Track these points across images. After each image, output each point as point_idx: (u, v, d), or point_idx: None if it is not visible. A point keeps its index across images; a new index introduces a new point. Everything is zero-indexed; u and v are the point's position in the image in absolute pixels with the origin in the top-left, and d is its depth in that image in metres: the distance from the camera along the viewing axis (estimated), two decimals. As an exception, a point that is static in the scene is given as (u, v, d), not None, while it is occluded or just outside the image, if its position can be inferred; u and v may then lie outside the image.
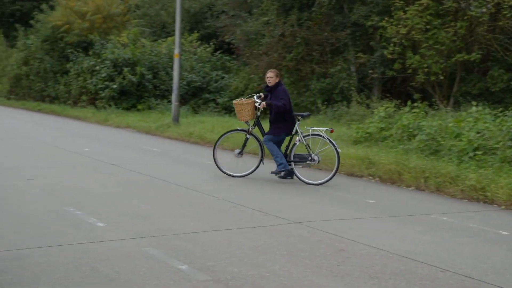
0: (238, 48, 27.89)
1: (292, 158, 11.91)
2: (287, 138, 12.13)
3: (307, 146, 11.84)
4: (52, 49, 31.19)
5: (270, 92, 11.99)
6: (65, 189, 10.40)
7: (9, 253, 6.68)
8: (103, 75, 26.03)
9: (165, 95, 26.21)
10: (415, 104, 16.01)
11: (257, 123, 12.26)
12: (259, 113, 12.14)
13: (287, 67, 22.45)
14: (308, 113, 13.40)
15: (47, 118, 25.57)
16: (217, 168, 12.34)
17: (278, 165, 11.80)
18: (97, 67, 26.75)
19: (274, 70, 12.19)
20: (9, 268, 6.19)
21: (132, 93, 25.76)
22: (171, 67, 26.48)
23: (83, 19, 30.38)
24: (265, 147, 12.14)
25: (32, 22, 34.19)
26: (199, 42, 29.58)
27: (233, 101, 12.55)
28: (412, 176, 11.59)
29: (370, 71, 20.80)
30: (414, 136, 14.17)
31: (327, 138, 11.62)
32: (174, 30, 29.60)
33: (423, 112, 15.59)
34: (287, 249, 7.09)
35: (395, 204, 10.03)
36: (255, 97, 12.13)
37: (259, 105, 11.86)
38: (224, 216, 8.70)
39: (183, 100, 24.83)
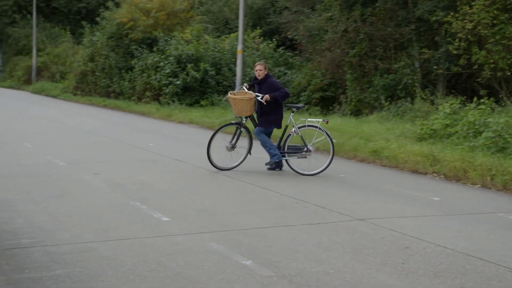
0: (300, 44, 27.83)
1: (286, 149, 12.14)
2: (278, 130, 12.45)
3: (302, 137, 12.17)
4: (117, 46, 31.61)
5: (259, 84, 12.03)
6: (130, 184, 10.55)
7: (76, 246, 6.81)
8: (167, 71, 26.29)
9: (227, 91, 26.26)
10: (481, 101, 15.73)
11: (252, 116, 12.18)
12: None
13: (350, 63, 22.31)
14: (302, 105, 13.43)
15: (112, 113, 25.97)
16: (210, 163, 12.00)
17: (272, 156, 11.93)
18: (161, 64, 27.02)
19: (263, 62, 12.22)
20: (76, 261, 6.32)
21: (195, 89, 25.94)
22: (234, 63, 26.60)
23: (148, 16, 30.73)
24: (254, 138, 12.30)
25: (98, 19, 34.72)
26: (261, 38, 29.61)
27: (229, 95, 12.06)
28: (478, 173, 11.39)
29: (435, 67, 20.49)
30: (480, 133, 13.92)
31: (323, 130, 12.16)
32: (237, 26, 29.66)
33: (489, 109, 15.30)
34: (351, 246, 7.06)
35: (460, 202, 9.88)
36: (244, 88, 12.22)
37: (261, 98, 11.78)
38: (287, 212, 8.71)
39: (246, 96, 24.90)
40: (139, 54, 29.70)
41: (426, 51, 20.63)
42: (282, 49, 28.80)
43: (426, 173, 12.38)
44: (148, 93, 27.76)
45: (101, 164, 12.52)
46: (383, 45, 21.96)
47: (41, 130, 18.36)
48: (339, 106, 22.90)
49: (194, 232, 7.50)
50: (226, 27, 33.80)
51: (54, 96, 35.26)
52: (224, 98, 15.71)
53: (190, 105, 25.70)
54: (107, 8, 34.95)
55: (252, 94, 11.78)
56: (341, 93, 23.48)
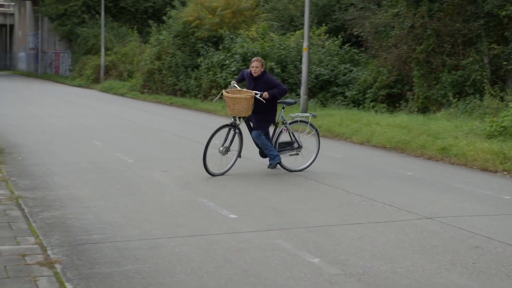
0: (366, 40, 27.57)
1: (277, 147, 11.65)
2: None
3: (293, 133, 11.94)
4: (184, 44, 31.86)
5: (254, 80, 11.18)
6: (198, 181, 10.65)
7: (145, 242, 6.91)
8: (232, 69, 26.39)
9: (293, 88, 26.27)
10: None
11: (247, 118, 11.33)
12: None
13: (417, 59, 22.01)
14: (294, 100, 12.56)
15: (178, 111, 26.20)
16: (205, 169, 11.00)
17: (274, 157, 11.37)
18: (227, 62, 27.13)
19: (260, 59, 11.29)
20: (146, 257, 6.40)
21: (261, 86, 25.94)
22: (299, 61, 26.53)
23: (214, 14, 30.89)
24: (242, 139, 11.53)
25: (164, 18, 35.07)
26: (327, 35, 29.45)
27: (224, 94, 11.14)
28: (550, 171, 11.13)
29: (504, 63, 20.07)
30: (553, 130, 13.61)
31: (313, 126, 12.38)
32: (302, 24, 29.58)
33: (562, 105, 14.93)
34: (419, 245, 6.98)
35: (532, 201, 9.67)
36: (236, 86, 11.29)
37: (260, 96, 10.93)
38: (354, 210, 8.66)
39: (311, 93, 24.82)
40: (205, 52, 29.90)
41: (495, 46, 20.23)
42: (347, 46, 28.59)
43: (496, 171, 12.15)
44: (214, 91, 27.92)
45: (168, 161, 12.65)
46: (451, 41, 21.60)
47: (110, 128, 18.67)
48: (406, 103, 22.62)
49: (261, 229, 7.53)
50: (291, 24, 33.72)
51: (121, 95, 35.79)
52: (215, 100, 14.38)
53: (255, 102, 25.71)
54: (173, 7, 35.27)
55: (251, 92, 10.93)
56: (407, 90, 23.18)
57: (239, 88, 11.19)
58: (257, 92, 10.96)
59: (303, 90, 20.61)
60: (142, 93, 34.40)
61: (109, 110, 25.42)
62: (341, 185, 10.40)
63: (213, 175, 11.03)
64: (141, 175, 11.04)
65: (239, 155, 11.58)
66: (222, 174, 11.20)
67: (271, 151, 11.42)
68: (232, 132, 11.30)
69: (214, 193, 9.59)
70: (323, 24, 30.60)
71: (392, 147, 15.06)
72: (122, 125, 19.68)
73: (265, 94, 10.94)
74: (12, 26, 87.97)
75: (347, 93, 24.97)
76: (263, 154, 11.67)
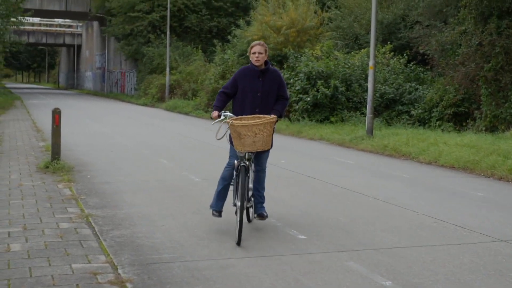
0: (432, 58, 27.30)
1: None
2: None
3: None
4: (248, 63, 32.07)
5: (261, 76, 8.10)
6: (266, 201, 10.60)
7: (215, 262, 6.89)
8: (297, 88, 26.40)
9: (358, 107, 26.14)
10: None
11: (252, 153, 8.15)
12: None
13: (485, 77, 21.66)
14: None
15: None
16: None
17: (263, 201, 8.59)
18: (291, 80, 27.17)
19: (263, 43, 8.24)
20: (216, 277, 6.38)
21: (325, 105, 25.89)
22: (364, 79, 26.39)
23: (278, 33, 31.04)
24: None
25: (229, 37, 35.38)
26: (392, 53, 29.28)
27: (236, 124, 7.71)
28: None
29: None
30: None
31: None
32: (367, 42, 29.49)
33: None
34: (494, 269, 6.80)
35: None
36: (229, 114, 7.97)
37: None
38: (425, 232, 8.50)
39: (376, 112, 24.64)
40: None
41: None
42: (413, 64, 28.34)
43: None
44: (278, 110, 27.95)
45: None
46: (521, 58, 21.19)
47: (176, 146, 18.82)
48: (473, 122, 22.25)
49: (331, 250, 7.44)
50: (356, 42, 33.61)
51: (186, 113, 36.13)
52: (220, 136, 8.02)
53: (320, 121, 25.67)
54: (238, 26, 35.54)
55: (271, 117, 7.82)
56: (475, 108, 22.81)
57: (234, 116, 7.97)
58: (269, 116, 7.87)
59: (368, 109, 20.45)
60: (206, 111, 34.65)
61: (175, 129, 25.66)
62: (411, 206, 10.23)
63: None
64: (209, 194, 11.04)
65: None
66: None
67: (263, 188, 8.63)
68: (242, 178, 7.93)
69: (282, 213, 9.54)
70: (388, 42, 30.42)
71: (460, 167, 14.79)
72: (188, 144, 19.82)
73: (273, 118, 7.86)
74: (79, 46, 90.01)
75: (412, 112, 24.70)
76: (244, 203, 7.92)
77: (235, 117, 7.87)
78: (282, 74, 8.78)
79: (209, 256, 7.13)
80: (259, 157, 8.28)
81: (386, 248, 7.58)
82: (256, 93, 8.09)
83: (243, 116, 7.90)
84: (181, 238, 7.90)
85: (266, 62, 8.13)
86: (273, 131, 7.91)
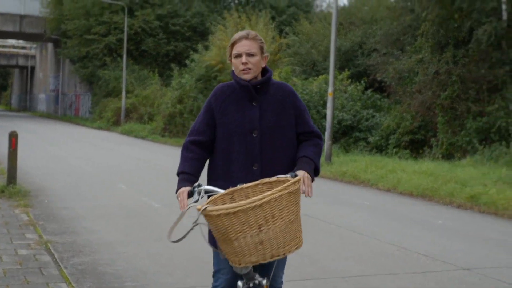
0: (390, 86, 27.60)
1: None
2: None
3: None
4: (206, 88, 32.04)
5: (252, 101, 4.33)
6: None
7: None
8: (255, 113, 26.39)
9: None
10: None
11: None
12: None
13: (441, 105, 21.95)
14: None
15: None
16: None
17: None
18: (249, 105, 27.20)
19: (255, 33, 4.36)
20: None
21: (283, 131, 25.91)
22: (322, 106, 26.52)
23: (236, 58, 31.14)
24: None
25: (187, 61, 35.34)
26: (349, 80, 29.53)
27: (203, 209, 3.76)
28: None
29: (530, 110, 19.99)
30: None
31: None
32: (324, 69, 29.72)
33: None
34: (461, 298, 6.81)
35: None
36: (202, 191, 4.09)
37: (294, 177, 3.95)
38: (389, 260, 8.49)
39: (334, 138, 24.77)
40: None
41: (521, 93, 20.14)
42: (370, 91, 28.61)
43: (528, 221, 11.95)
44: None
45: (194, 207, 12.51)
46: (476, 87, 21.54)
47: (134, 171, 18.62)
48: (430, 149, 22.50)
49: (297, 278, 7.37)
50: (313, 69, 33.85)
51: (142, 137, 35.87)
52: (174, 236, 4.08)
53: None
54: (195, 50, 35.51)
55: (297, 177, 3.86)
56: (431, 136, 23.08)
57: (217, 190, 4.12)
58: (286, 177, 4.03)
59: (327, 135, 20.53)
60: (162, 136, 34.47)
61: (131, 153, 25.42)
62: (373, 234, 10.23)
63: None
64: (170, 220, 10.91)
65: None
66: None
67: None
68: None
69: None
70: (346, 69, 30.68)
71: (419, 194, 14.88)
72: (146, 168, 19.63)
73: (303, 174, 4.11)
74: (33, 68, 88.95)
75: (370, 139, 24.89)
76: None
77: (218, 191, 4.07)
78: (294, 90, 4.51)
79: (173, 285, 7.00)
80: (269, 266, 4.29)
81: (351, 276, 7.54)
82: (249, 131, 4.28)
83: (232, 189, 4.05)
84: (144, 266, 7.76)
85: (264, 71, 4.38)
86: (298, 206, 3.87)
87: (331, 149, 20.70)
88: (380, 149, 24.20)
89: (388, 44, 29.30)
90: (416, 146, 23.42)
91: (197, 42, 38.30)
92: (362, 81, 29.12)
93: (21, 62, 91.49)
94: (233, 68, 4.36)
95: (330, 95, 20.61)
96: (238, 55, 4.27)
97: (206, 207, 3.71)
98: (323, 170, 19.13)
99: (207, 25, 41.12)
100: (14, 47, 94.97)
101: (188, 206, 3.98)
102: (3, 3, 61.29)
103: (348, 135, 26.11)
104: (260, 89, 4.32)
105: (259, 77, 4.34)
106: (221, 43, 32.02)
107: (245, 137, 4.27)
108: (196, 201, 3.95)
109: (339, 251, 8.99)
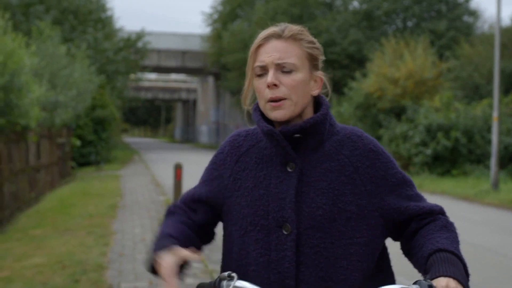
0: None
1: None
2: None
3: None
4: (365, 116, 31.75)
5: (286, 149, 2.30)
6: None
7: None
8: (416, 141, 25.86)
9: (480, 159, 25.29)
10: None
11: None
12: None
13: None
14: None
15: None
16: None
17: None
18: (410, 132, 26.64)
19: (298, 29, 2.35)
20: None
21: (446, 158, 25.21)
22: (487, 131, 25.54)
23: (396, 85, 30.60)
24: None
25: (345, 89, 35.22)
26: (515, 103, 28.33)
27: None
28: None
29: None
30: None
31: None
32: (487, 92, 28.64)
33: None
34: None
35: None
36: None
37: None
38: None
39: (501, 164, 23.74)
40: (387, 124, 29.57)
41: None
42: (538, 115, 27.26)
43: None
44: (398, 163, 27.40)
45: None
46: None
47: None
48: None
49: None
50: (476, 93, 32.73)
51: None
52: None
53: (441, 174, 24.95)
54: (353, 78, 35.34)
55: None
56: None
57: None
58: None
59: (493, 161, 19.68)
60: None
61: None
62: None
63: None
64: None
65: None
66: None
67: None
68: None
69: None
70: (511, 92, 29.44)
71: None
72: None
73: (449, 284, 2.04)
74: (195, 101, 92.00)
75: (540, 165, 23.65)
76: None
77: None
78: (379, 144, 2.51)
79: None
80: None
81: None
82: (276, 225, 2.30)
83: None
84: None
85: (317, 104, 2.46)
86: None
87: (498, 176, 19.80)
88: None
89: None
90: None
91: (355, 70, 38.06)
92: (529, 104, 27.80)
93: (183, 95, 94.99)
94: (257, 101, 2.46)
95: (495, 119, 19.77)
96: (262, 72, 2.33)
97: None
98: (489, 198, 18.32)
99: (364, 52, 40.85)
100: (176, 81, 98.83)
101: None
102: (166, 40, 63.99)
103: (516, 161, 24.95)
104: (303, 140, 2.34)
105: (305, 115, 2.36)
106: (379, 70, 31.66)
107: (267, 236, 2.29)
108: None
109: (506, 282, 8.45)
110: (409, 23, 46.90)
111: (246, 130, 2.57)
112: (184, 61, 65.57)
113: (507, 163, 24.82)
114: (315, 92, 2.39)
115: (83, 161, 31.87)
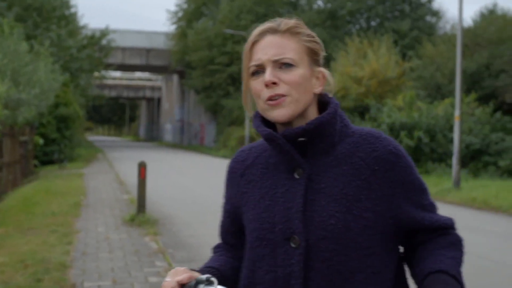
0: (520, 108, 26.68)
1: None
2: None
3: None
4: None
5: (291, 153, 2.09)
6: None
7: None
8: (379, 139, 26.07)
9: (442, 158, 25.62)
10: None
11: None
12: None
13: None
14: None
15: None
16: None
17: None
18: (373, 131, 26.92)
19: (294, 23, 2.15)
20: None
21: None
22: (449, 130, 25.88)
23: (359, 84, 30.90)
24: None
25: (309, 88, 35.39)
26: (477, 103, 28.69)
27: None
28: None
29: None
30: None
31: None
32: (449, 92, 28.99)
33: None
34: None
35: None
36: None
37: None
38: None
39: (462, 163, 24.07)
40: (350, 122, 29.83)
41: None
42: (499, 114, 27.68)
43: None
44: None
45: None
46: None
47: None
48: None
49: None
50: (438, 92, 33.11)
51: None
52: None
53: (404, 173, 25.22)
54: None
55: None
56: None
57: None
58: None
59: (455, 160, 19.95)
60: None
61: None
62: (506, 262, 9.75)
63: None
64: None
65: None
66: None
67: None
68: None
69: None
70: (473, 92, 29.84)
71: None
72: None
73: None
74: (159, 99, 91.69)
75: (500, 163, 24.01)
76: None
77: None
78: (400, 146, 2.24)
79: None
80: None
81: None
82: (283, 238, 2.10)
83: None
84: None
85: (322, 103, 2.26)
86: None
87: (459, 174, 20.08)
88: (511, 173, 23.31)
89: (517, 64, 28.31)
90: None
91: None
92: (490, 104, 28.22)
93: (148, 94, 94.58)
94: (256, 105, 2.20)
95: (456, 118, 20.05)
96: (258, 69, 2.13)
97: None
98: (451, 196, 18.57)
99: (328, 51, 41.07)
100: (141, 79, 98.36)
101: None
102: (130, 38, 63.71)
103: (476, 159, 25.32)
104: (310, 143, 2.15)
105: (309, 116, 2.17)
106: (343, 69, 31.91)
107: (273, 250, 2.12)
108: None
109: (471, 279, 8.59)
110: (373, 23, 47.30)
111: (250, 145, 2.37)
112: (148, 59, 65.33)
113: (469, 161, 25.19)
114: (318, 89, 2.17)
115: (46, 160, 31.63)
